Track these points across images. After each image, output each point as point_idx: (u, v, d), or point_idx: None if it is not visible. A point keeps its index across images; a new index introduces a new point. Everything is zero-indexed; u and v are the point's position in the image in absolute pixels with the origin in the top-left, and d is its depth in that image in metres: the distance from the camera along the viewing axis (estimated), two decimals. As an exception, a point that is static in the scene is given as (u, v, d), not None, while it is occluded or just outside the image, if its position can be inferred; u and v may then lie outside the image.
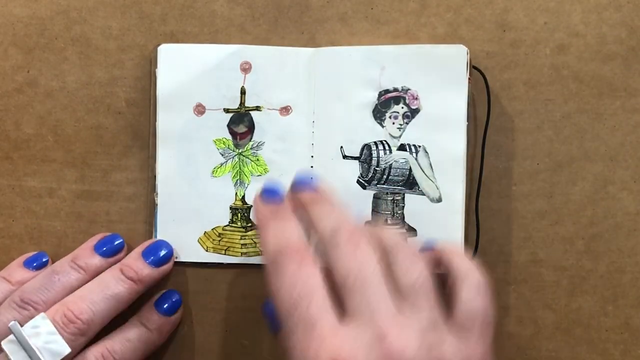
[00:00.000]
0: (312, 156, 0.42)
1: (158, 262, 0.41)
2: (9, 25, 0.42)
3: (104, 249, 0.41)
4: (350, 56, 0.41)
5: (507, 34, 0.42)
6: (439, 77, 0.41)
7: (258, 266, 0.42)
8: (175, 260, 0.42)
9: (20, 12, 0.42)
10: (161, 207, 0.42)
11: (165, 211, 0.42)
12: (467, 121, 0.41)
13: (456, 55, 0.40)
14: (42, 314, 0.37)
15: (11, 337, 0.36)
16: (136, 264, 0.40)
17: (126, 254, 0.41)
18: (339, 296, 0.32)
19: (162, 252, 0.41)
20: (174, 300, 0.41)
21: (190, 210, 0.42)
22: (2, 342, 0.36)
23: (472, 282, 0.34)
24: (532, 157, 0.42)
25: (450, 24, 0.42)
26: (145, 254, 0.41)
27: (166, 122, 0.42)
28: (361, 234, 0.34)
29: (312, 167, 0.42)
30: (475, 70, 0.41)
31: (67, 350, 0.36)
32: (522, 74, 0.42)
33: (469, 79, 0.40)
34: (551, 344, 0.42)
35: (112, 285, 0.39)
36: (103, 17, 0.42)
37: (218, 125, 0.42)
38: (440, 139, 0.41)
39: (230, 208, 0.42)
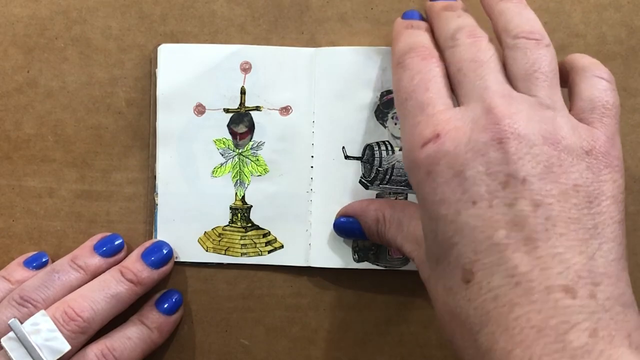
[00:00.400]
0: (312, 156, 0.42)
1: (157, 264, 0.41)
2: (9, 25, 0.42)
3: (104, 249, 0.41)
4: (351, 56, 0.41)
5: (507, 34, 0.41)
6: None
7: (258, 266, 0.42)
8: (175, 260, 0.42)
9: (20, 12, 0.42)
10: (161, 207, 0.42)
11: (165, 211, 0.42)
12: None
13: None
14: (42, 311, 0.37)
15: (11, 334, 0.36)
16: (135, 266, 0.40)
17: (126, 254, 0.41)
18: (454, 87, 0.33)
19: (162, 253, 0.41)
20: (174, 299, 0.41)
21: (190, 210, 0.42)
22: (2, 339, 0.36)
23: (594, 72, 0.34)
24: (532, 157, 0.42)
25: (450, 24, 0.41)
26: (145, 256, 0.41)
27: (166, 122, 0.42)
28: (483, 34, 0.34)
29: (312, 167, 0.42)
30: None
31: (67, 347, 0.36)
32: (522, 74, 0.41)
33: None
34: (551, 344, 0.42)
35: (113, 285, 0.39)
36: (103, 17, 0.42)
37: (218, 125, 0.42)
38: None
39: (230, 208, 0.42)
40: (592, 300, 0.28)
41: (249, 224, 0.42)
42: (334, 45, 0.42)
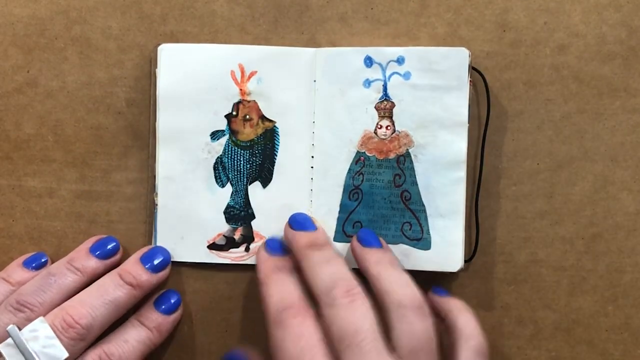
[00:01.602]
0: (312, 156, 0.42)
1: (156, 268, 0.41)
2: (9, 25, 0.42)
3: (100, 251, 0.41)
4: (351, 56, 0.41)
5: (507, 34, 0.42)
6: (440, 79, 0.40)
7: (258, 266, 0.42)
8: (175, 260, 0.42)
9: (20, 12, 0.42)
10: (161, 207, 0.42)
11: (165, 211, 0.42)
12: (468, 122, 0.41)
13: (458, 58, 0.40)
14: (41, 317, 0.37)
15: (9, 340, 0.36)
16: (134, 269, 0.40)
17: (122, 256, 0.41)
18: (337, 352, 0.33)
19: (159, 259, 0.41)
20: (173, 300, 0.41)
21: (190, 210, 0.42)
22: (0, 346, 0.36)
23: (473, 345, 0.35)
24: (532, 157, 0.42)
25: (450, 24, 0.42)
26: (143, 259, 0.41)
27: (166, 122, 0.42)
28: (358, 291, 0.35)
29: (312, 167, 0.42)
30: (474, 71, 0.41)
31: (64, 354, 0.36)
32: (522, 74, 0.42)
33: (470, 80, 0.40)
34: (551, 344, 0.42)
35: (111, 290, 0.39)
36: (103, 17, 0.42)
37: (218, 125, 0.42)
38: (442, 140, 0.41)
39: (230, 207, 0.42)
40: None
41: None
42: (334, 45, 0.42)
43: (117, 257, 0.41)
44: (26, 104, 0.42)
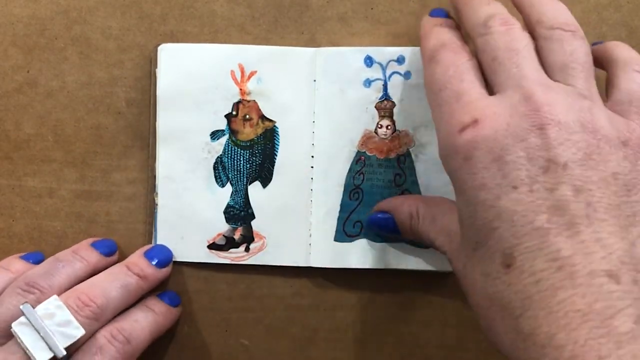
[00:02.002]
0: (312, 156, 0.42)
1: (160, 263, 0.41)
2: (9, 25, 0.42)
3: (99, 248, 0.41)
4: (351, 56, 0.41)
5: (507, 33, 0.41)
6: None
7: (258, 266, 0.42)
8: (175, 260, 0.42)
9: (20, 12, 0.42)
10: (161, 207, 0.42)
11: (165, 211, 0.42)
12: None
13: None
14: (55, 296, 0.36)
15: (22, 319, 0.35)
16: (141, 262, 0.40)
17: (119, 258, 0.42)
18: (490, 79, 0.33)
19: (163, 254, 0.41)
20: (174, 296, 0.42)
21: (190, 210, 0.42)
22: (13, 325, 0.35)
23: (634, 66, 0.34)
24: (532, 157, 0.42)
25: (450, 24, 0.42)
26: (147, 256, 0.41)
27: (166, 122, 0.42)
28: (515, 22, 0.34)
29: (312, 167, 0.42)
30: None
31: (81, 332, 0.36)
32: (522, 74, 0.41)
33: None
34: (551, 344, 0.42)
35: (122, 277, 0.39)
36: (103, 17, 0.42)
37: (218, 125, 0.42)
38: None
39: (230, 207, 0.42)
40: (636, 287, 0.28)
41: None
42: (334, 45, 0.42)
43: (115, 257, 0.42)
44: (26, 104, 0.42)
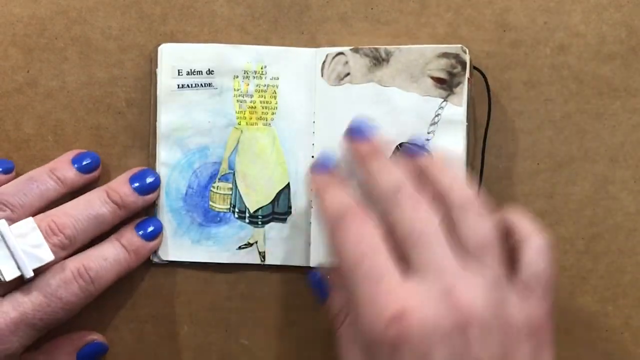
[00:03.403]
0: (312, 156, 0.42)
1: (144, 190, 0.41)
2: (9, 25, 0.42)
3: (81, 163, 0.41)
4: (351, 56, 0.41)
5: (507, 34, 0.42)
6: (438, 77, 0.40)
7: (258, 266, 0.42)
8: (175, 260, 0.42)
9: (20, 12, 0.42)
10: (161, 207, 0.42)
11: (165, 211, 0.42)
12: (467, 122, 0.41)
13: (454, 56, 0.40)
14: (30, 218, 0.37)
15: None
16: (122, 189, 0.40)
17: (100, 174, 0.42)
18: (400, 253, 0.32)
19: (149, 180, 0.41)
20: (154, 226, 0.42)
21: (190, 210, 0.42)
22: None
23: (536, 244, 0.34)
24: (532, 157, 0.42)
25: (450, 24, 0.42)
26: (132, 180, 0.41)
27: (167, 122, 0.42)
28: (423, 194, 0.34)
29: (312, 167, 0.42)
30: (475, 70, 0.41)
31: (50, 257, 0.37)
32: (522, 74, 0.42)
33: (469, 79, 0.40)
34: (551, 344, 0.42)
35: (97, 206, 0.39)
36: (103, 17, 0.42)
37: (218, 124, 0.42)
38: (439, 139, 0.41)
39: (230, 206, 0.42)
40: None
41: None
42: (334, 45, 0.42)
43: (96, 173, 0.41)
44: (26, 104, 0.42)
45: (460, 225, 0.33)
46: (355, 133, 0.36)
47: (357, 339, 0.32)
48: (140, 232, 0.41)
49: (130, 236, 0.41)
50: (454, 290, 0.30)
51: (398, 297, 0.31)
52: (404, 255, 0.32)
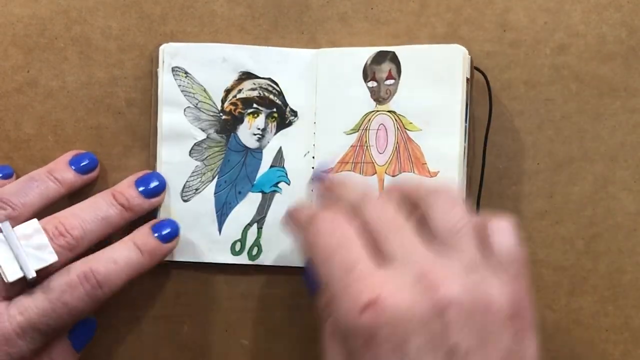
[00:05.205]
0: (313, 157, 0.42)
1: (149, 193, 0.41)
2: (9, 25, 0.42)
3: (78, 165, 0.41)
4: (352, 56, 0.41)
5: (507, 34, 0.42)
6: (435, 76, 0.40)
7: (258, 266, 0.42)
8: (176, 260, 0.42)
9: (20, 12, 0.42)
10: (162, 207, 0.42)
11: (166, 211, 0.42)
12: (467, 122, 0.41)
13: (453, 55, 0.40)
14: (35, 220, 0.37)
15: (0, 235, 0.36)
16: (128, 192, 0.40)
17: (99, 174, 0.42)
18: (375, 249, 0.32)
19: (154, 184, 0.41)
20: (171, 228, 0.41)
21: (190, 210, 0.42)
22: None
23: (501, 224, 0.33)
24: (532, 157, 0.42)
25: (450, 24, 0.42)
26: (138, 183, 0.41)
27: (167, 122, 0.42)
28: (391, 196, 0.34)
29: (312, 168, 0.42)
30: (476, 70, 0.41)
31: (54, 258, 0.36)
32: (522, 74, 0.42)
33: (468, 79, 0.40)
34: (551, 344, 0.42)
35: (104, 208, 0.39)
36: (103, 17, 0.42)
37: (218, 124, 0.42)
38: (436, 139, 0.40)
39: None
40: None
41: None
42: (334, 45, 0.42)
43: (94, 174, 0.41)
44: (26, 104, 0.42)
45: (431, 213, 0.33)
46: (317, 180, 0.40)
47: (336, 332, 0.31)
48: (157, 234, 0.40)
49: (146, 237, 0.40)
50: (429, 275, 0.30)
51: (372, 284, 0.30)
52: (378, 250, 0.32)
